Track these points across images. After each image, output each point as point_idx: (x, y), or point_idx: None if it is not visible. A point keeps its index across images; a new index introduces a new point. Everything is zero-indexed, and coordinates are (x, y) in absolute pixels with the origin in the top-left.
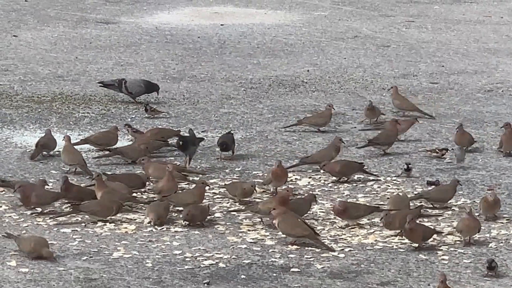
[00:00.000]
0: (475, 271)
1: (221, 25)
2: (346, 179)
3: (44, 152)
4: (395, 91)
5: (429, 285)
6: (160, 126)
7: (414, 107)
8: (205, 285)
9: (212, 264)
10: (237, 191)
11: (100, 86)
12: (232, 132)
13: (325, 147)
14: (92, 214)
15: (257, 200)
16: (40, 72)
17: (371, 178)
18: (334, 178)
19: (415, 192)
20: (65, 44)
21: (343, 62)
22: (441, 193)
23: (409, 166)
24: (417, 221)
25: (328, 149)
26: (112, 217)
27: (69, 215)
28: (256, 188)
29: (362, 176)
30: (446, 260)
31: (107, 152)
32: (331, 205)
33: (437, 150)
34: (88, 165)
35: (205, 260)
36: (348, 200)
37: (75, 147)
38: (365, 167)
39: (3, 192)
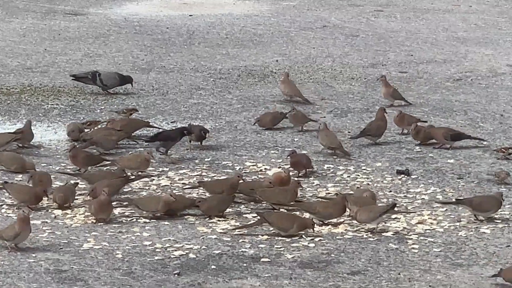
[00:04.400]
0: (445, 260)
1: (190, 15)
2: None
3: (20, 145)
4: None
5: (399, 274)
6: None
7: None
8: (176, 275)
9: (182, 254)
10: None
11: (73, 79)
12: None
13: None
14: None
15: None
16: (9, 64)
17: (341, 167)
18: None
19: (384, 181)
20: (34, 36)
21: (312, 52)
22: None
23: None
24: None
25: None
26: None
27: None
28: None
29: (331, 166)
30: (416, 249)
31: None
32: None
33: (503, 150)
34: (59, 157)
35: (175, 250)
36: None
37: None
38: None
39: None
